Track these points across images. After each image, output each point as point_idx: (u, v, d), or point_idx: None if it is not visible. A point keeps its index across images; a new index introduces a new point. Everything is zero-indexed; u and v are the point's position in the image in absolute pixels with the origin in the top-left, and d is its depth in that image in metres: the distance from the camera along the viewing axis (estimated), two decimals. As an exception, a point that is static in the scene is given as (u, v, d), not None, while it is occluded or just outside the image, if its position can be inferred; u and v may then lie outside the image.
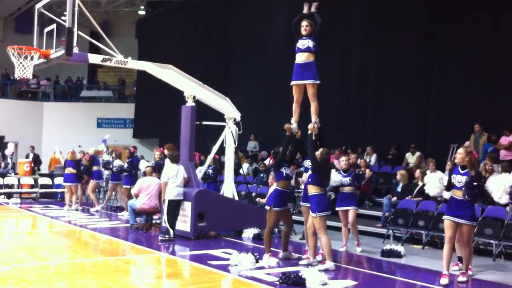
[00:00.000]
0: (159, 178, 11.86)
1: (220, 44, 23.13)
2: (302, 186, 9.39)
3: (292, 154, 8.80)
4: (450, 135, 14.14)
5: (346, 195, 9.85)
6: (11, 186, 18.69)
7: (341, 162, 10.14)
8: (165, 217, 10.70)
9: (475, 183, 7.29)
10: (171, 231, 10.54)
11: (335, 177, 9.59)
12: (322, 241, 8.23)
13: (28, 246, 9.83)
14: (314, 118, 8.49)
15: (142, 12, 30.04)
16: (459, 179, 7.42)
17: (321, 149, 8.28)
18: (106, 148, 16.26)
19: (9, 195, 18.03)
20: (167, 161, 11.19)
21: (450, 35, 14.82)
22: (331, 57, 16.69)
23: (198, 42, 23.90)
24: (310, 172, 8.42)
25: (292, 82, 8.62)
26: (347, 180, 9.81)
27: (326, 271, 7.77)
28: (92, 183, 16.09)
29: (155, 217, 12.34)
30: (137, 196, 12.03)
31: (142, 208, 11.90)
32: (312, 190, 8.28)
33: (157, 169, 13.03)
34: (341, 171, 9.89)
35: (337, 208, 9.96)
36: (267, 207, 8.71)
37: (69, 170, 15.55)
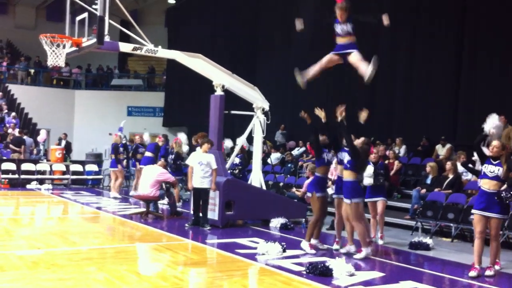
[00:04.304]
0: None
1: (248, 34, 23.08)
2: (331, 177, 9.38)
3: (332, 139, 8.73)
4: (480, 127, 13.88)
5: (375, 187, 9.78)
6: (43, 173, 19.04)
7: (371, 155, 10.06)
8: (205, 207, 10.64)
9: None
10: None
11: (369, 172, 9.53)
12: (356, 229, 8.23)
13: (59, 232, 9.99)
14: (370, 70, 8.03)
15: (172, 1, 30.13)
16: (491, 169, 7.30)
17: (362, 139, 8.30)
18: (124, 136, 16.49)
19: (41, 181, 18.34)
20: (198, 149, 11.06)
21: (480, 26, 14.58)
22: (360, 47, 16.48)
23: (226, 31, 23.89)
24: (347, 157, 8.37)
25: (332, 52, 8.14)
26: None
27: (364, 259, 7.91)
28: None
29: (179, 203, 12.59)
30: None
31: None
32: (350, 176, 8.28)
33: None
34: (371, 163, 9.78)
35: (366, 200, 9.92)
36: (309, 194, 8.71)
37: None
